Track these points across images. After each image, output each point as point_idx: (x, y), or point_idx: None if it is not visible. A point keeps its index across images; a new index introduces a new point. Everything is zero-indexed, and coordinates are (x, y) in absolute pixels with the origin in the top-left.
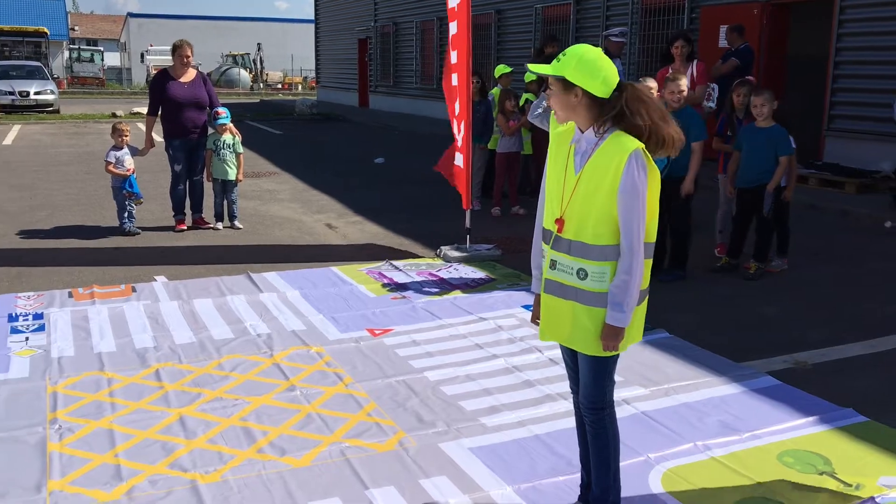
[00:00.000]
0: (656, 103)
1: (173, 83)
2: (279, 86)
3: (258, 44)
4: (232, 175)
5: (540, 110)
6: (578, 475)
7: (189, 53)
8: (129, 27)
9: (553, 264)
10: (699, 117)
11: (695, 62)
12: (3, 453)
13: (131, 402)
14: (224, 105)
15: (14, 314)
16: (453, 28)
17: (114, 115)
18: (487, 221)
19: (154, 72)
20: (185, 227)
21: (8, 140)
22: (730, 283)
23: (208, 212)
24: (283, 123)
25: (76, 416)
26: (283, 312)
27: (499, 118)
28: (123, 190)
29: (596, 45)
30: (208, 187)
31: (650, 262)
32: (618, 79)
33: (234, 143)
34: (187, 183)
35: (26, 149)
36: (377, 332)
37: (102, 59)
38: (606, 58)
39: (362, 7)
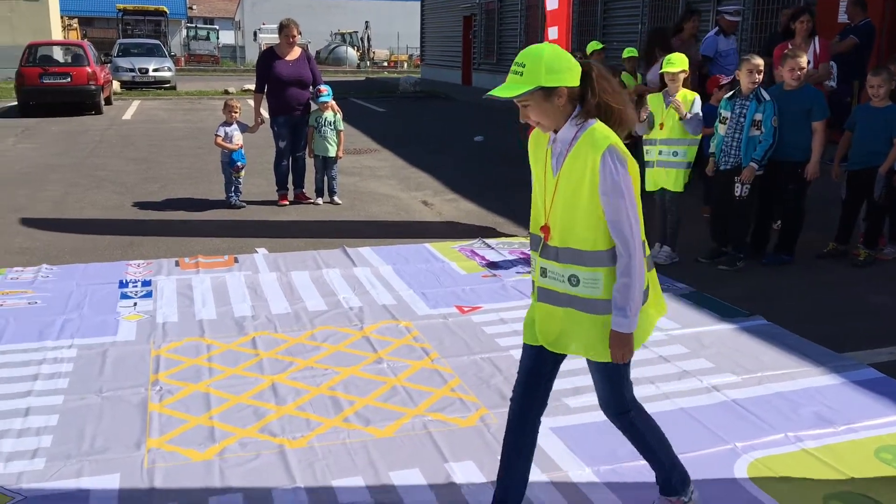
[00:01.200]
0: (616, 83)
1: (279, 61)
2: (385, 63)
3: (366, 22)
4: (332, 152)
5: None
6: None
7: (295, 33)
8: (244, 6)
9: (543, 272)
10: (822, 96)
11: (816, 38)
12: (109, 411)
13: (228, 367)
14: (330, 83)
15: (124, 281)
16: (553, 3)
17: (226, 92)
18: None
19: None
20: (287, 202)
21: (127, 115)
22: (837, 269)
23: (309, 187)
24: (386, 101)
25: (176, 379)
26: (375, 287)
27: None
28: (231, 164)
29: (707, 22)
30: (310, 163)
31: (645, 259)
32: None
33: (335, 121)
34: (290, 159)
35: (144, 123)
36: (466, 309)
37: (218, 38)
38: (553, 45)
39: None
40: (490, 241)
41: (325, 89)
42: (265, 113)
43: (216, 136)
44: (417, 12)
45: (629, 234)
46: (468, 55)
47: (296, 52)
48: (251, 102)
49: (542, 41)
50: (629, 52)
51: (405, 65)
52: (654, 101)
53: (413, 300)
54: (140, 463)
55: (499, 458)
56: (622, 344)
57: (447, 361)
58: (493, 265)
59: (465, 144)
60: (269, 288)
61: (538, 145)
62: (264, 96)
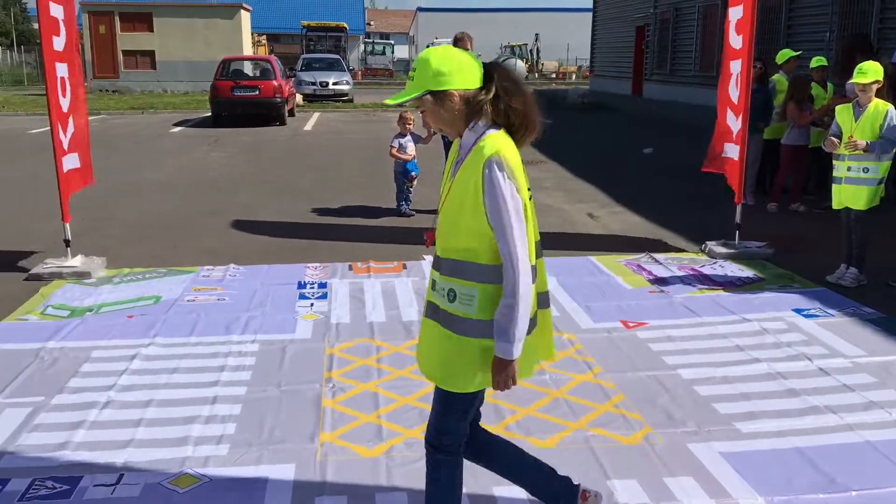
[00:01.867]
0: (524, 87)
1: None
2: (553, 75)
3: (536, 34)
4: None
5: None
6: (843, 495)
7: (468, 46)
8: (418, 21)
9: (433, 284)
10: None
11: None
12: (287, 403)
13: (396, 369)
14: None
15: (302, 282)
16: (738, 12)
17: (400, 105)
18: (761, 217)
19: None
20: None
21: (308, 126)
22: None
23: None
24: (553, 113)
25: (348, 378)
26: None
27: (789, 108)
28: (405, 174)
29: None
30: None
31: (535, 285)
32: (480, 64)
33: None
34: None
35: (323, 134)
36: (631, 324)
37: (392, 52)
38: (453, 49)
39: None
40: (658, 255)
41: None
42: None
43: (391, 147)
44: (589, 23)
45: (512, 251)
46: (639, 66)
47: None
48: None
49: (721, 50)
50: (818, 61)
51: (573, 76)
52: (842, 113)
53: (577, 313)
54: (314, 455)
55: (664, 479)
56: (502, 370)
57: (610, 377)
58: (660, 280)
59: (633, 156)
60: None
61: (453, 151)
62: None
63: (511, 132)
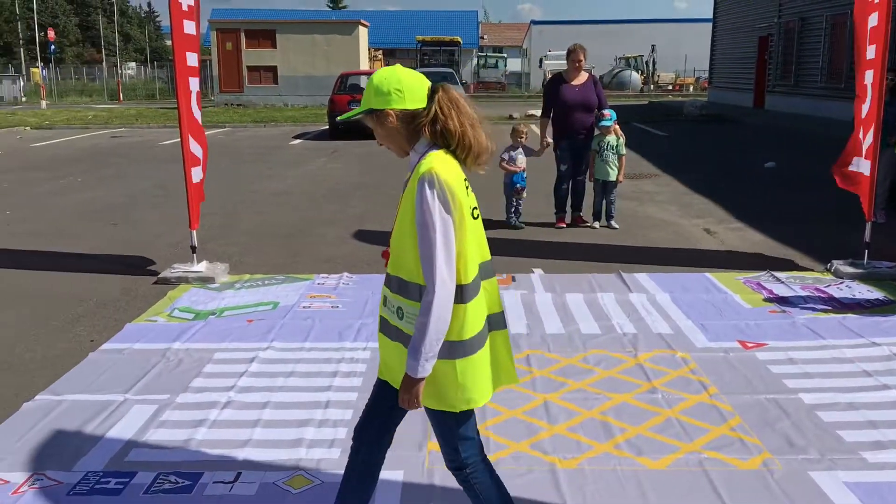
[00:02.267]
0: (469, 108)
1: (565, 86)
2: (670, 87)
3: (652, 45)
4: (613, 176)
5: None
6: None
7: (581, 58)
8: (531, 34)
9: (385, 300)
10: None
11: None
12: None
13: None
14: (612, 107)
15: None
16: (872, 20)
17: (510, 118)
18: (892, 236)
19: (549, 76)
20: (565, 225)
21: None
22: None
23: (587, 211)
24: (669, 125)
25: None
26: (650, 314)
27: None
28: (512, 186)
29: None
30: (589, 187)
31: (468, 306)
32: (425, 85)
33: (617, 145)
34: (570, 182)
35: None
36: (749, 344)
37: (505, 65)
38: (407, 69)
39: (765, 3)
40: (779, 274)
41: (608, 113)
42: (549, 137)
43: (501, 158)
44: (708, 33)
45: (433, 270)
46: (762, 77)
47: (583, 77)
48: (536, 129)
49: (850, 62)
50: None
51: (691, 88)
52: None
53: (691, 331)
54: (422, 463)
55: None
56: (408, 389)
57: (727, 398)
58: (781, 300)
59: (754, 170)
60: (544, 308)
61: None
62: (549, 121)
63: (454, 153)
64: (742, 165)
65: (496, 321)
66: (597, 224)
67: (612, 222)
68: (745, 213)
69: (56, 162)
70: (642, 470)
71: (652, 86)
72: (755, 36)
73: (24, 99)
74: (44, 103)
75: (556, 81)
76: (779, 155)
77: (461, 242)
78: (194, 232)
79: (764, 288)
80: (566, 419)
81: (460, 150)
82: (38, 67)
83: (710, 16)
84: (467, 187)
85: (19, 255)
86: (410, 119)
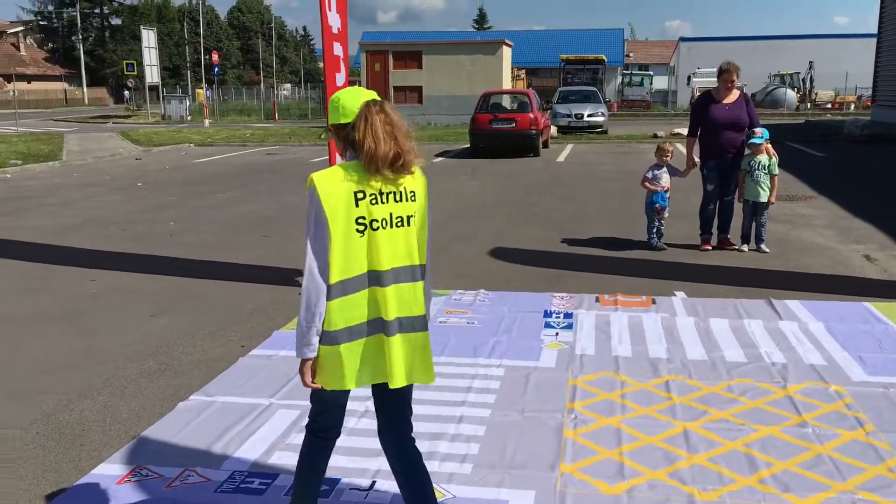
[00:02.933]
0: (378, 121)
1: (715, 105)
2: (828, 105)
3: (810, 62)
4: (764, 197)
5: None
6: None
7: (734, 78)
8: (680, 51)
9: None
10: None
11: None
12: (528, 430)
13: (640, 406)
14: (765, 126)
15: (549, 311)
16: None
17: (655, 136)
18: None
19: (697, 93)
20: (710, 247)
21: (561, 158)
22: None
23: (735, 233)
24: (827, 145)
25: (590, 410)
26: (802, 343)
27: None
28: (654, 205)
29: None
30: (738, 208)
31: (331, 304)
32: (358, 102)
33: (769, 165)
34: (717, 203)
35: (575, 165)
36: None
37: (651, 83)
38: (350, 90)
39: None
40: None
41: (759, 131)
42: (696, 157)
43: (644, 177)
44: (872, 49)
45: (305, 262)
46: None
47: (734, 96)
48: (681, 148)
49: None
50: None
51: (852, 106)
52: None
53: (847, 363)
54: (553, 484)
55: None
56: (299, 369)
57: (886, 437)
58: None
59: None
60: (686, 332)
61: None
62: (696, 140)
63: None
64: None
65: (375, 326)
66: (745, 247)
67: (763, 246)
68: None
69: (216, 177)
70: None
71: (809, 104)
72: None
73: (189, 118)
74: (207, 122)
75: (706, 99)
76: None
77: (327, 247)
78: None
79: None
80: (707, 449)
81: (363, 158)
82: (202, 88)
83: (875, 30)
84: (367, 199)
85: (183, 263)
86: (340, 131)
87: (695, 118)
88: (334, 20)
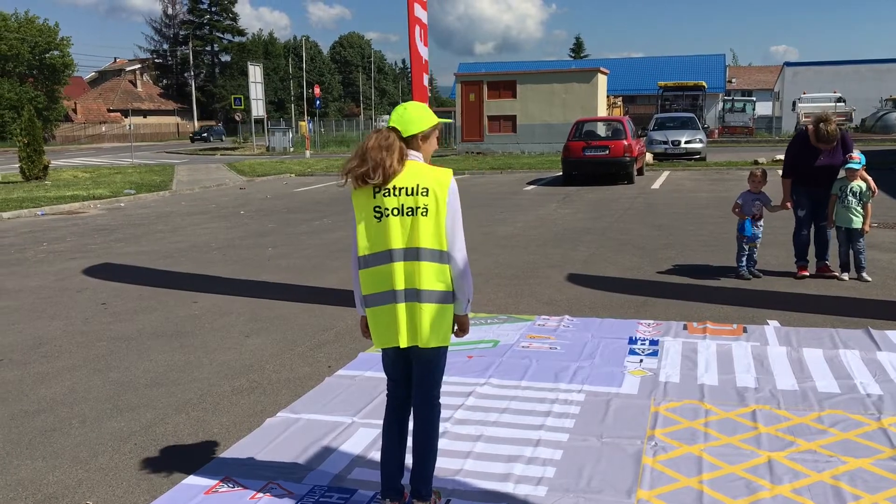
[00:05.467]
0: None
1: (811, 150)
2: None
3: None
4: (857, 224)
5: None
6: None
7: (832, 126)
8: (785, 76)
9: None
10: None
11: None
12: (606, 455)
13: (724, 435)
14: (875, 152)
15: (634, 338)
16: None
17: (755, 163)
18: None
19: (803, 118)
20: (807, 274)
21: (656, 185)
22: None
23: (834, 260)
24: None
25: (671, 438)
26: None
27: None
28: (739, 230)
29: None
30: (835, 234)
31: (360, 273)
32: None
33: (862, 192)
34: (811, 228)
35: (669, 193)
36: None
37: (754, 109)
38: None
39: None
40: None
41: (857, 156)
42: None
43: (735, 203)
44: None
45: None
46: None
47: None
48: (778, 173)
49: None
50: None
51: None
52: None
53: None
54: None
55: None
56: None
57: None
58: None
59: None
60: (777, 362)
61: None
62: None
63: None
64: None
65: (383, 297)
66: (845, 276)
67: (864, 274)
68: None
69: (313, 205)
70: None
71: None
72: None
73: (291, 149)
74: (308, 153)
75: (802, 143)
76: None
77: (355, 229)
78: None
79: None
80: (791, 480)
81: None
82: (304, 121)
83: None
84: (390, 191)
85: (277, 286)
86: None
87: (789, 160)
88: (423, 51)
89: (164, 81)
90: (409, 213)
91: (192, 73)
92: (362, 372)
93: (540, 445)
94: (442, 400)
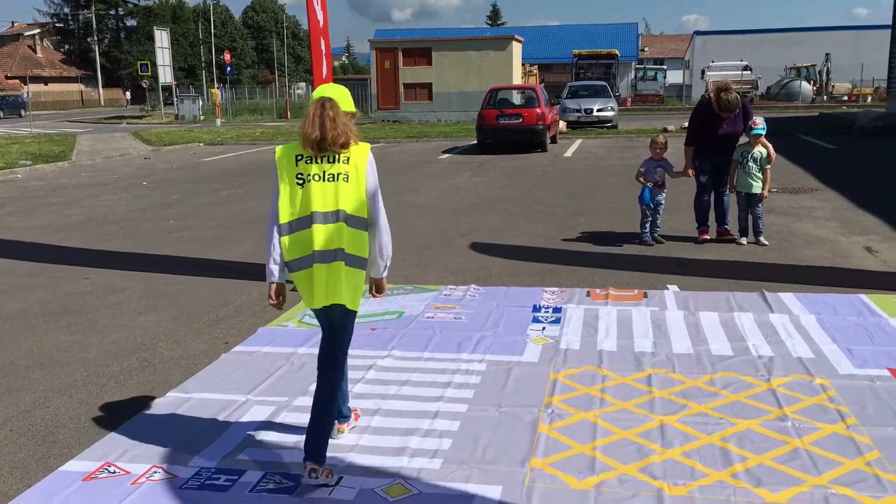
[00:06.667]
0: (315, 113)
1: (713, 118)
2: (845, 98)
3: (826, 54)
4: (756, 189)
5: None
6: None
7: (731, 97)
8: (695, 45)
9: None
10: None
11: None
12: (503, 425)
13: (619, 400)
14: (778, 119)
15: (538, 306)
16: None
17: (665, 130)
18: None
19: (711, 86)
20: (708, 238)
21: (568, 153)
22: None
23: (733, 225)
24: (839, 137)
25: (568, 405)
26: (791, 336)
27: None
28: (639, 199)
29: None
30: (735, 199)
31: (282, 239)
32: (315, 96)
33: (762, 158)
34: (712, 194)
35: (581, 160)
36: None
37: (664, 77)
38: (325, 86)
39: None
40: None
41: (760, 122)
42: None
43: (638, 171)
44: (888, 40)
45: None
46: None
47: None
48: (680, 141)
49: None
50: None
51: (869, 98)
52: None
53: (835, 356)
54: (522, 480)
55: None
56: None
57: (867, 430)
58: None
59: None
60: (674, 326)
61: None
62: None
63: None
64: None
65: (306, 261)
66: (744, 240)
67: (761, 238)
68: None
69: (222, 175)
70: (758, 502)
71: (825, 96)
72: None
73: (202, 117)
74: (218, 121)
75: (705, 111)
76: None
77: (277, 196)
78: None
79: None
80: (682, 443)
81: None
82: (217, 88)
83: (890, 21)
84: (312, 159)
85: (176, 260)
86: None
87: (693, 129)
88: (321, 15)
89: (66, 47)
90: (331, 180)
91: (96, 39)
92: (260, 348)
93: (438, 417)
94: None
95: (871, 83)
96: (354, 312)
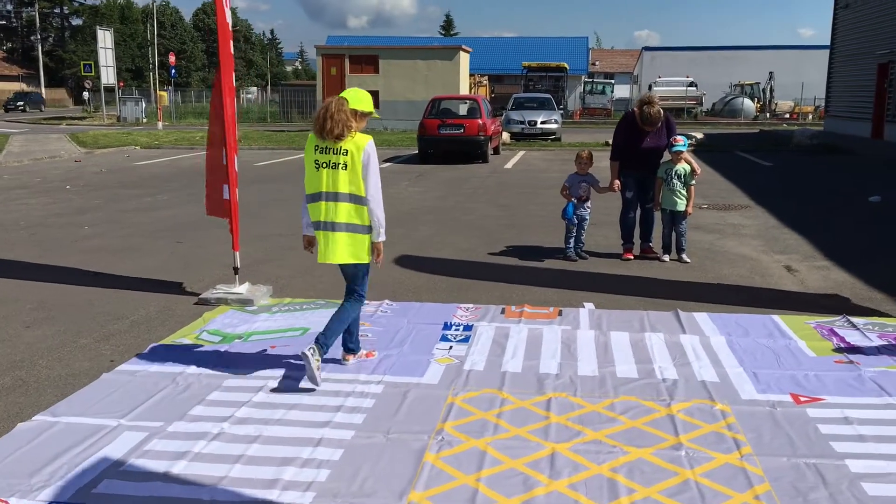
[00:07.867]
0: (323, 109)
1: (637, 132)
2: (787, 116)
3: (770, 72)
4: (680, 206)
5: None
6: None
7: (653, 111)
8: (643, 60)
9: None
10: None
11: None
12: (388, 453)
13: (514, 427)
14: (719, 135)
15: (449, 323)
16: None
17: (607, 144)
18: None
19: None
20: (632, 257)
21: (509, 164)
22: None
23: (658, 242)
24: (776, 155)
25: (460, 431)
26: (699, 358)
27: None
28: (564, 216)
29: None
30: (660, 216)
31: (308, 206)
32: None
33: (685, 175)
34: (639, 211)
35: (521, 172)
36: (803, 398)
37: (612, 91)
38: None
39: (886, 28)
40: (857, 319)
41: (680, 139)
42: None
43: (563, 185)
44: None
45: None
46: (881, 106)
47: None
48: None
49: None
50: None
51: (809, 116)
52: None
53: (740, 380)
54: None
55: None
56: None
57: (760, 460)
58: (852, 349)
59: (858, 205)
60: (584, 346)
61: None
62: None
63: None
64: (847, 199)
65: (319, 226)
66: (666, 257)
67: (684, 256)
68: (836, 251)
69: (152, 180)
70: None
71: (768, 114)
72: (874, 63)
73: (144, 120)
74: (160, 124)
75: (629, 125)
76: (891, 189)
77: (306, 174)
78: (237, 253)
79: (836, 335)
80: (570, 474)
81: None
82: (164, 91)
83: (828, 42)
84: (323, 150)
85: (79, 271)
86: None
87: (617, 143)
88: (229, 15)
89: (8, 45)
90: (333, 168)
91: (40, 37)
92: (146, 367)
93: (320, 445)
94: (228, 396)
95: (812, 101)
96: (362, 264)
